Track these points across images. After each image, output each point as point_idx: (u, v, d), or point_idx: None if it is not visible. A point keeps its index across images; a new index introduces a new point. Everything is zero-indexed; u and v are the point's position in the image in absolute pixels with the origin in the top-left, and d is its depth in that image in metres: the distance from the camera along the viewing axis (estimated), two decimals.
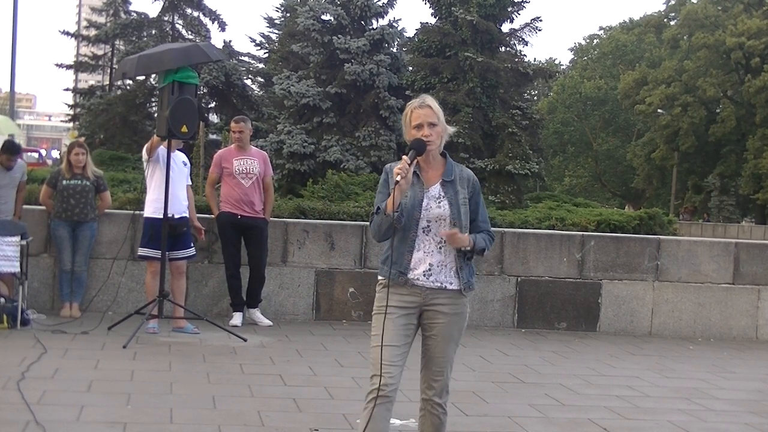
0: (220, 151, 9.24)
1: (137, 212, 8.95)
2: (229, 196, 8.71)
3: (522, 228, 10.60)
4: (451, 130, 4.30)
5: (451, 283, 4.20)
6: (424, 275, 4.17)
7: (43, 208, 8.98)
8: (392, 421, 5.62)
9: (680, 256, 10.01)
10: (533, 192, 30.79)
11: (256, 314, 8.92)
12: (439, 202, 4.16)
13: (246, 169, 8.69)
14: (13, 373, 6.24)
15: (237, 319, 8.75)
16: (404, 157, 4.06)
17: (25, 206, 9.07)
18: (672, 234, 12.09)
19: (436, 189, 4.19)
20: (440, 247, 4.18)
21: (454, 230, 4.12)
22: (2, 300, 8.02)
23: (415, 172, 4.15)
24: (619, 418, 6.18)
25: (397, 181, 3.97)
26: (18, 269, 8.11)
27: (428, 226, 4.16)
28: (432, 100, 4.25)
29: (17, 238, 8.12)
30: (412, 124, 4.18)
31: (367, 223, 9.75)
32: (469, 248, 4.17)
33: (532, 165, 26.94)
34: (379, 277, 4.25)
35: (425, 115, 4.17)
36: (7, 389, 5.83)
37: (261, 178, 8.77)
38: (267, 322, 8.91)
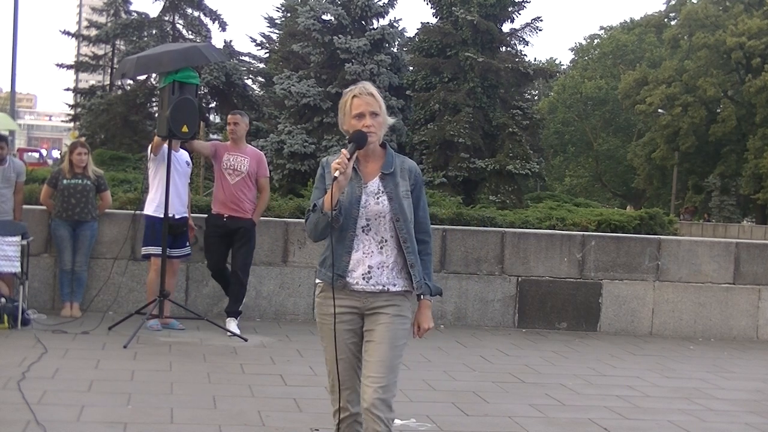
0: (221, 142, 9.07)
1: (137, 212, 8.95)
2: (216, 196, 8.43)
3: (522, 228, 10.60)
4: (391, 121, 3.97)
5: (394, 285, 3.88)
6: (364, 278, 3.85)
7: (43, 207, 8.98)
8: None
9: (681, 256, 10.01)
10: (534, 192, 30.80)
11: (231, 324, 8.26)
12: (378, 198, 3.84)
13: (234, 165, 8.29)
14: (14, 373, 6.24)
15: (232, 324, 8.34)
16: (343, 150, 3.74)
17: (25, 206, 9.07)
18: (672, 234, 12.08)
19: (374, 184, 3.87)
20: (381, 247, 3.86)
21: (425, 328, 4.00)
22: (3, 300, 8.02)
23: (353, 167, 3.82)
24: (619, 418, 6.18)
25: (336, 177, 3.65)
26: (18, 269, 8.11)
27: (368, 224, 3.84)
28: (374, 88, 3.90)
29: (18, 238, 8.13)
30: (353, 113, 3.83)
31: None
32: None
33: (532, 165, 26.96)
34: (317, 281, 3.95)
35: (367, 103, 3.82)
36: (7, 389, 5.83)
37: (253, 178, 8.36)
38: (238, 336, 8.12)
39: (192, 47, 8.68)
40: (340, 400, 4.01)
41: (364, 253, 3.85)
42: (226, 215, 8.30)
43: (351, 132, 3.81)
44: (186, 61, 8.05)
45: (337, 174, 3.64)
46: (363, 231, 3.84)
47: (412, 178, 3.93)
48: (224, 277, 8.56)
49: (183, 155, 8.54)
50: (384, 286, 3.87)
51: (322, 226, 3.76)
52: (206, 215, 8.65)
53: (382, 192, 3.85)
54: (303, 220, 3.89)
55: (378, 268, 3.86)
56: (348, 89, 3.89)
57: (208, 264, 8.64)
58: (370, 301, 3.87)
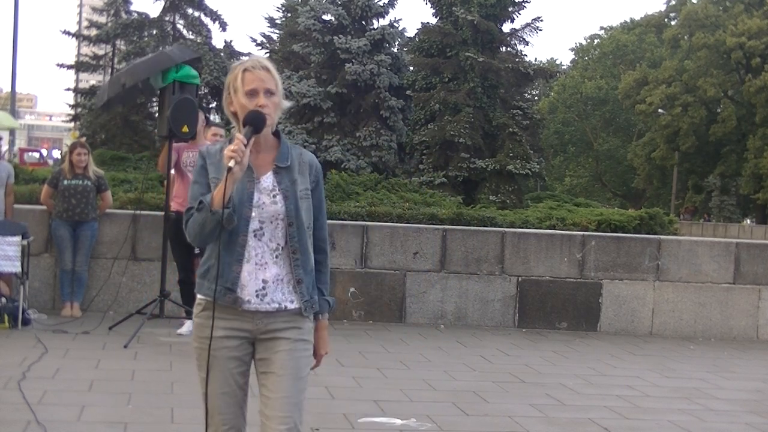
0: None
1: (138, 212, 8.95)
2: (177, 194, 8.17)
3: (523, 228, 10.60)
4: (287, 104, 3.27)
5: (291, 302, 3.18)
6: (257, 295, 3.14)
7: (43, 207, 8.99)
8: (392, 420, 5.64)
9: (681, 256, 10.01)
10: (534, 192, 30.78)
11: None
12: (274, 196, 3.16)
13: (193, 161, 7.76)
14: (14, 372, 6.24)
15: (185, 327, 8.07)
16: (238, 135, 3.06)
17: (25, 206, 9.08)
18: (672, 234, 12.08)
19: (268, 179, 3.18)
20: (276, 256, 3.17)
21: (322, 354, 3.38)
22: (3, 300, 8.03)
23: None
24: (619, 417, 6.18)
25: (230, 167, 2.97)
26: (19, 269, 8.11)
27: (261, 228, 3.14)
28: (269, 62, 3.22)
29: (18, 238, 8.13)
30: (245, 89, 3.12)
31: (368, 222, 9.83)
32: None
33: (532, 165, 26.96)
34: (199, 296, 3.21)
35: (261, 79, 3.14)
36: (7, 389, 5.83)
37: None
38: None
39: (160, 53, 8.71)
40: None
41: (257, 264, 3.14)
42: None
43: (242, 113, 3.11)
44: (155, 68, 8.10)
45: (232, 164, 2.96)
46: (255, 236, 3.14)
47: (312, 174, 3.27)
48: (191, 281, 7.92)
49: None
50: (280, 303, 3.16)
51: (211, 227, 3.03)
52: (163, 213, 8.31)
53: (278, 189, 3.16)
54: None
55: (273, 283, 3.16)
56: (238, 63, 3.23)
57: (177, 266, 8.22)
58: (264, 323, 3.16)
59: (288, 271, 3.18)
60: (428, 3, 29.20)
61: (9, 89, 29.34)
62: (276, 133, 3.24)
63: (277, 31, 39.16)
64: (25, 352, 6.95)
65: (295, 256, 3.18)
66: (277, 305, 3.15)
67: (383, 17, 28.51)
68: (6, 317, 7.91)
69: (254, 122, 3.08)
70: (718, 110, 49.08)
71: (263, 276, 3.14)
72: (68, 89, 38.95)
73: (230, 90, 3.17)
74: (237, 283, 3.12)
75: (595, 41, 63.95)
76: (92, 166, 8.93)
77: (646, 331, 9.95)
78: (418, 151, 27.55)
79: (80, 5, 56.58)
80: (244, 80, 3.13)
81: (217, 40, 39.26)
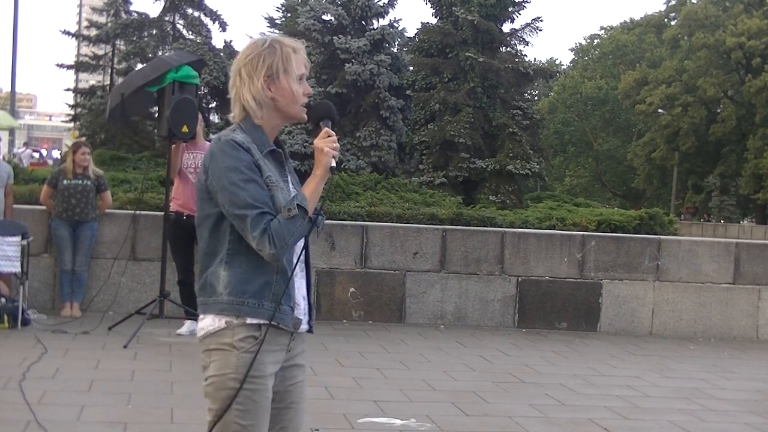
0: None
1: (138, 212, 8.95)
2: (176, 195, 8.19)
3: (522, 228, 10.60)
4: None
5: (309, 321, 2.90)
6: (304, 314, 2.85)
7: (43, 207, 8.99)
8: (392, 420, 5.64)
9: (681, 256, 10.01)
10: (534, 192, 30.80)
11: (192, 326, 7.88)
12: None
13: (194, 163, 8.06)
14: (14, 372, 6.24)
15: (185, 327, 8.11)
16: (326, 129, 2.78)
17: (25, 206, 9.07)
18: (672, 234, 12.08)
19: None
20: (300, 268, 2.85)
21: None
22: (3, 300, 8.03)
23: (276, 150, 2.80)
24: (619, 417, 6.18)
25: (333, 167, 2.72)
26: (19, 269, 8.11)
27: None
28: None
29: (18, 238, 8.13)
30: (297, 73, 2.76)
31: (368, 222, 9.82)
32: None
33: (532, 165, 26.96)
34: (249, 320, 2.69)
35: (306, 65, 2.81)
36: (7, 389, 5.83)
37: None
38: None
39: (158, 58, 8.83)
40: None
41: (299, 277, 2.85)
42: (185, 214, 7.95)
43: (289, 99, 2.76)
44: (155, 71, 8.17)
45: (334, 163, 2.73)
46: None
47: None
48: (189, 283, 8.03)
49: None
50: (308, 323, 2.88)
51: (304, 235, 2.75)
52: (163, 214, 8.31)
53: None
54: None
55: (304, 299, 2.87)
56: (269, 39, 2.78)
57: (176, 265, 8.23)
58: (291, 348, 2.84)
59: (305, 282, 2.88)
60: (428, 3, 29.20)
61: (9, 89, 29.37)
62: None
63: (277, 31, 39.13)
64: (25, 352, 6.95)
65: (308, 264, 2.92)
66: (307, 326, 2.87)
67: (383, 17, 28.51)
68: (6, 317, 7.91)
69: (331, 114, 2.81)
70: (718, 110, 49.09)
71: (303, 292, 2.85)
72: (68, 89, 38.89)
73: (273, 71, 2.72)
74: (294, 302, 2.78)
75: (595, 41, 63.96)
76: (92, 167, 8.94)
77: (646, 331, 9.94)
78: (418, 151, 27.55)
79: (80, 5, 56.54)
80: (296, 62, 2.75)
81: (217, 40, 39.27)
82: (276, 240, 2.62)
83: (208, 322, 2.73)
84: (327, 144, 2.72)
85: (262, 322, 2.69)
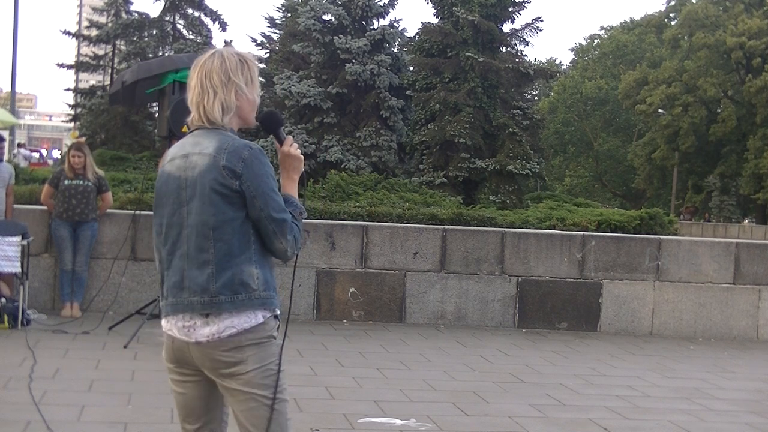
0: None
1: (138, 212, 8.95)
2: None
3: (523, 228, 10.60)
4: None
5: None
6: None
7: (44, 207, 8.99)
8: (392, 421, 5.64)
9: (681, 256, 10.01)
10: (534, 192, 30.77)
11: None
12: None
13: None
14: (14, 373, 6.25)
15: None
16: (288, 136, 3.09)
17: (25, 206, 9.07)
18: (672, 234, 12.08)
19: None
20: None
21: None
22: (3, 300, 8.03)
23: None
24: (619, 418, 6.18)
25: (305, 171, 3.10)
26: (19, 269, 8.11)
27: None
28: None
29: (18, 238, 8.13)
30: (256, 84, 3.04)
31: (368, 222, 9.82)
32: None
33: (532, 165, 26.94)
34: (277, 311, 3.06)
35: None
36: (7, 389, 5.84)
37: None
38: None
39: (166, 57, 8.85)
40: None
41: None
42: None
43: (251, 109, 3.00)
44: (160, 68, 8.23)
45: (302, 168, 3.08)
46: None
47: None
48: None
49: None
50: None
51: None
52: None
53: None
54: (303, 220, 3.06)
55: None
56: (236, 51, 3.00)
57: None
58: None
59: None
60: (428, 3, 29.19)
61: (9, 89, 29.35)
62: None
63: (277, 31, 39.16)
64: (24, 352, 6.95)
65: None
66: None
67: (383, 17, 28.49)
68: (6, 317, 7.91)
69: (282, 122, 3.08)
70: (718, 110, 49.06)
71: None
72: (68, 89, 38.94)
73: (244, 80, 2.95)
74: None
75: (595, 41, 63.96)
76: (92, 167, 8.90)
77: (646, 331, 9.94)
78: (418, 151, 27.54)
79: (80, 5, 56.58)
80: (256, 75, 2.99)
81: (217, 40, 39.20)
82: (298, 242, 2.95)
83: (242, 320, 2.89)
84: (296, 151, 3.01)
85: (270, 313, 2.97)
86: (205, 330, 2.88)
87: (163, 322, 3.00)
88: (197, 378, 3.00)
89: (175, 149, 3.01)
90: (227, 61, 2.92)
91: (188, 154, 2.93)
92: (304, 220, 3.06)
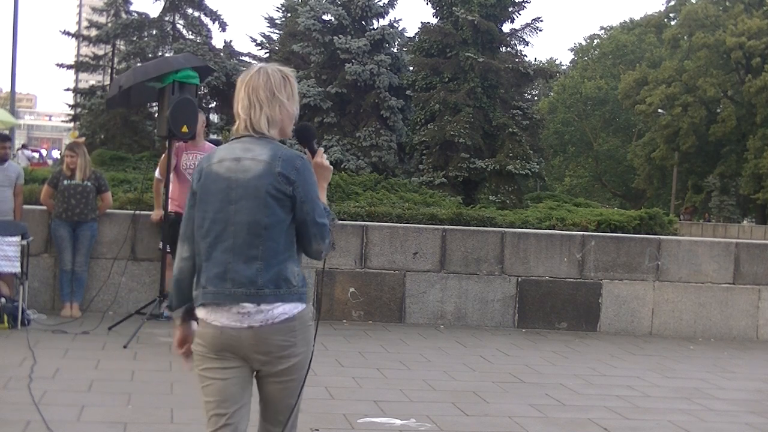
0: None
1: (137, 212, 8.95)
2: (173, 196, 8.18)
3: (522, 228, 10.60)
4: None
5: None
6: None
7: (43, 207, 8.99)
8: (392, 421, 5.64)
9: (681, 256, 10.01)
10: (534, 192, 30.77)
11: None
12: None
13: (194, 164, 8.06)
14: (14, 373, 6.25)
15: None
16: (320, 148, 3.41)
17: (25, 206, 9.07)
18: (672, 234, 12.08)
19: None
20: None
21: None
22: (3, 300, 8.03)
23: None
24: (619, 418, 6.18)
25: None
26: (18, 269, 8.11)
27: None
28: None
29: (18, 238, 8.13)
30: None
31: (368, 222, 9.82)
32: None
33: (532, 165, 26.94)
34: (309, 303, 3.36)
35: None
36: (7, 389, 5.84)
37: None
38: None
39: (163, 58, 8.82)
40: None
41: None
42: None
43: (290, 123, 3.31)
44: (157, 70, 8.21)
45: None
46: None
47: None
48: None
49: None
50: None
51: None
52: (162, 214, 8.33)
53: None
54: None
55: None
56: (278, 68, 3.29)
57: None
58: None
59: None
60: (428, 3, 29.20)
61: (9, 89, 29.36)
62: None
63: (277, 31, 39.16)
64: (24, 352, 6.95)
65: None
66: None
67: (383, 17, 28.50)
68: (6, 317, 7.91)
69: (315, 135, 3.38)
70: (718, 110, 49.06)
71: None
72: (68, 89, 38.89)
73: (287, 96, 3.23)
74: None
75: (595, 41, 63.96)
76: (84, 168, 8.73)
77: (646, 331, 9.94)
78: (417, 151, 27.54)
79: (80, 5, 56.53)
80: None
81: (217, 40, 39.27)
82: (331, 245, 3.28)
83: (289, 308, 3.17)
84: (326, 161, 3.33)
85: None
86: (259, 316, 3.13)
87: (202, 311, 3.26)
88: (238, 365, 3.22)
89: (225, 152, 3.23)
90: (272, 78, 3.21)
91: (240, 158, 3.17)
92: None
